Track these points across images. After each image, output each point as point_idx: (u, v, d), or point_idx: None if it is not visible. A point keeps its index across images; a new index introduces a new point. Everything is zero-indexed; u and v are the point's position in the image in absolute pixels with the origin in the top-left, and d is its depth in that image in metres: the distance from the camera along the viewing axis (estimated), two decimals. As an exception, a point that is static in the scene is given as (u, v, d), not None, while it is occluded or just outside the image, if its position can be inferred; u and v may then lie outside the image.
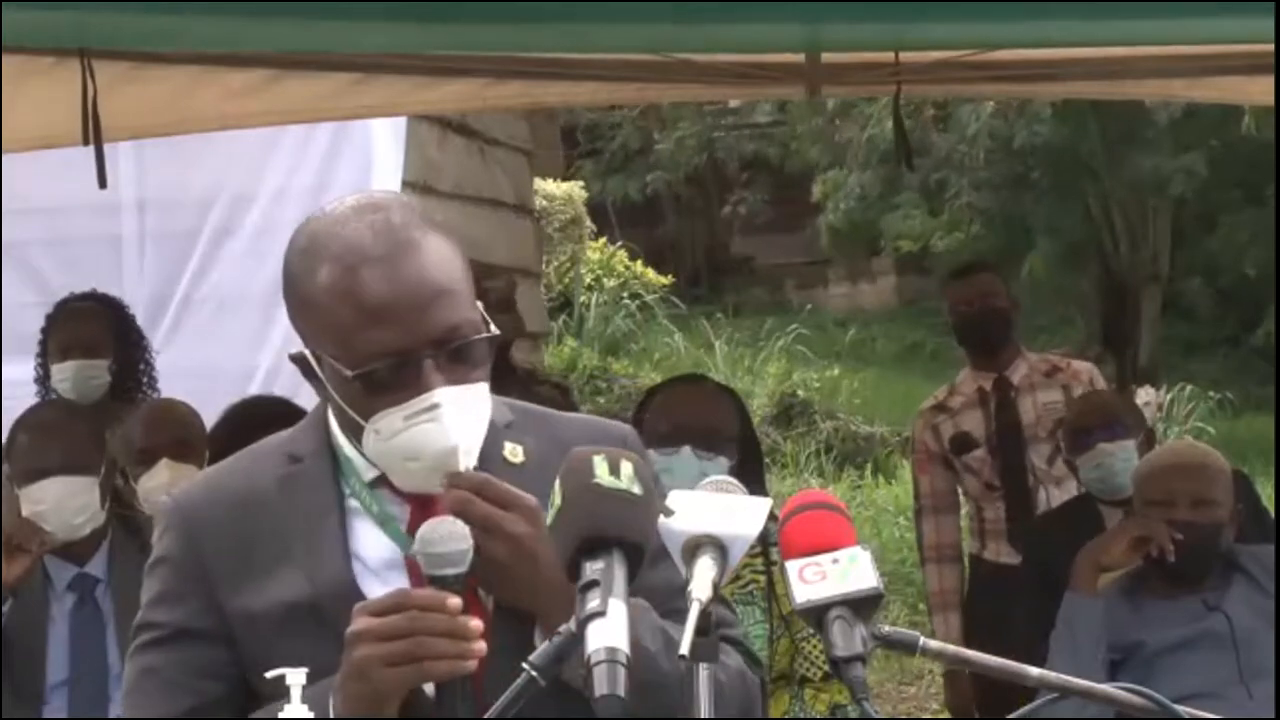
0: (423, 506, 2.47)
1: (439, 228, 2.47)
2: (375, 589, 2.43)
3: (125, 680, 2.55)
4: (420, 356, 2.39)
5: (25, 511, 4.75)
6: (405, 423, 2.40)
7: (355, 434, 2.46)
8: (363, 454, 2.48)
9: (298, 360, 2.50)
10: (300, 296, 2.46)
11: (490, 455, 2.49)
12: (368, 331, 2.38)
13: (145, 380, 6.16)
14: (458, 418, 2.41)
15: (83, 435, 4.89)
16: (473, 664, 2.30)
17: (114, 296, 6.24)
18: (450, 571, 2.34)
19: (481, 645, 2.30)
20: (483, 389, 2.46)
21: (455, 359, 2.41)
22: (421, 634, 2.30)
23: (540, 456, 2.49)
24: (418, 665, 2.30)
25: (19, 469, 4.81)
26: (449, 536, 2.35)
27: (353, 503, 2.50)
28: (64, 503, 4.76)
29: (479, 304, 2.47)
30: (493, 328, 2.46)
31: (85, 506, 4.79)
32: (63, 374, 5.95)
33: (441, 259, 2.42)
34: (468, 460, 2.43)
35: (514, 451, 2.52)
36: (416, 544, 2.37)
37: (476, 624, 2.31)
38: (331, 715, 2.33)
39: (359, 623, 2.32)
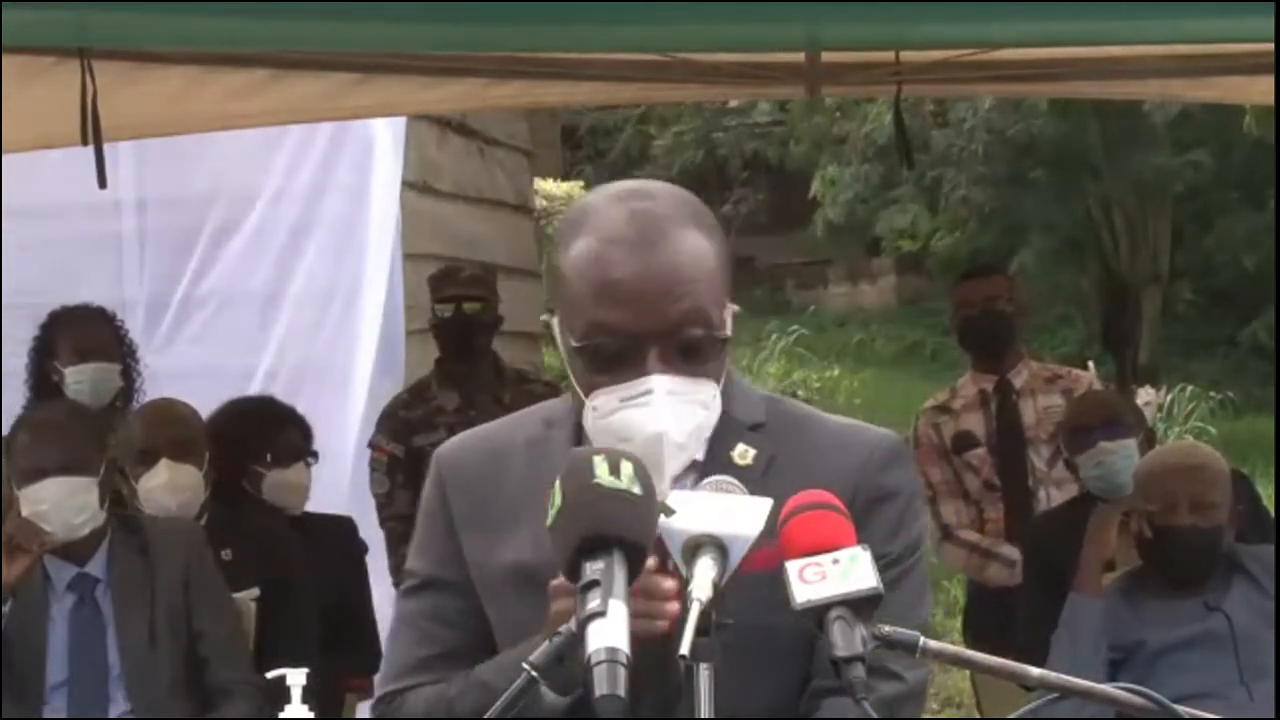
0: None
1: (707, 225, 2.52)
2: None
3: (391, 625, 2.66)
4: (646, 343, 2.43)
5: (25, 511, 4.74)
6: (620, 404, 2.44)
7: (581, 407, 2.51)
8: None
9: (548, 325, 2.56)
10: (555, 264, 2.52)
11: (718, 455, 2.51)
12: (600, 308, 2.44)
13: (138, 387, 6.18)
14: (671, 407, 2.43)
15: (83, 435, 4.88)
16: (664, 624, 2.28)
17: (104, 307, 6.23)
18: None
19: (675, 606, 2.28)
20: (708, 386, 2.48)
21: (683, 352, 2.45)
22: None
23: (776, 459, 2.51)
24: None
25: (19, 469, 4.80)
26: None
27: None
28: (63, 502, 4.75)
29: (726, 305, 2.51)
30: (729, 330, 2.50)
31: (85, 506, 4.78)
32: (80, 376, 5.95)
33: (694, 254, 2.46)
34: (679, 454, 2.45)
35: (743, 454, 2.53)
36: None
37: (670, 584, 2.31)
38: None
39: (561, 580, 2.34)
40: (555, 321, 2.53)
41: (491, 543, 2.53)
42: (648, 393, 2.43)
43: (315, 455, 5.98)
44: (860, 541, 2.23)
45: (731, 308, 2.53)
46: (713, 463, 2.50)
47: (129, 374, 6.13)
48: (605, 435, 2.45)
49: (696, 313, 2.45)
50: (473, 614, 2.54)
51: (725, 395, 2.54)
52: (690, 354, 2.45)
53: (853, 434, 2.60)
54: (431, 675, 2.54)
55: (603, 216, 2.48)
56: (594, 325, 2.44)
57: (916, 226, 19.33)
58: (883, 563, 2.23)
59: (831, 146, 19.60)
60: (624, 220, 2.46)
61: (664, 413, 2.43)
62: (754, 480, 2.42)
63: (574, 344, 2.46)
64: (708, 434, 2.50)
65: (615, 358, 2.44)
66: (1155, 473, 5.06)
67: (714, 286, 2.48)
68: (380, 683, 2.62)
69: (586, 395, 2.47)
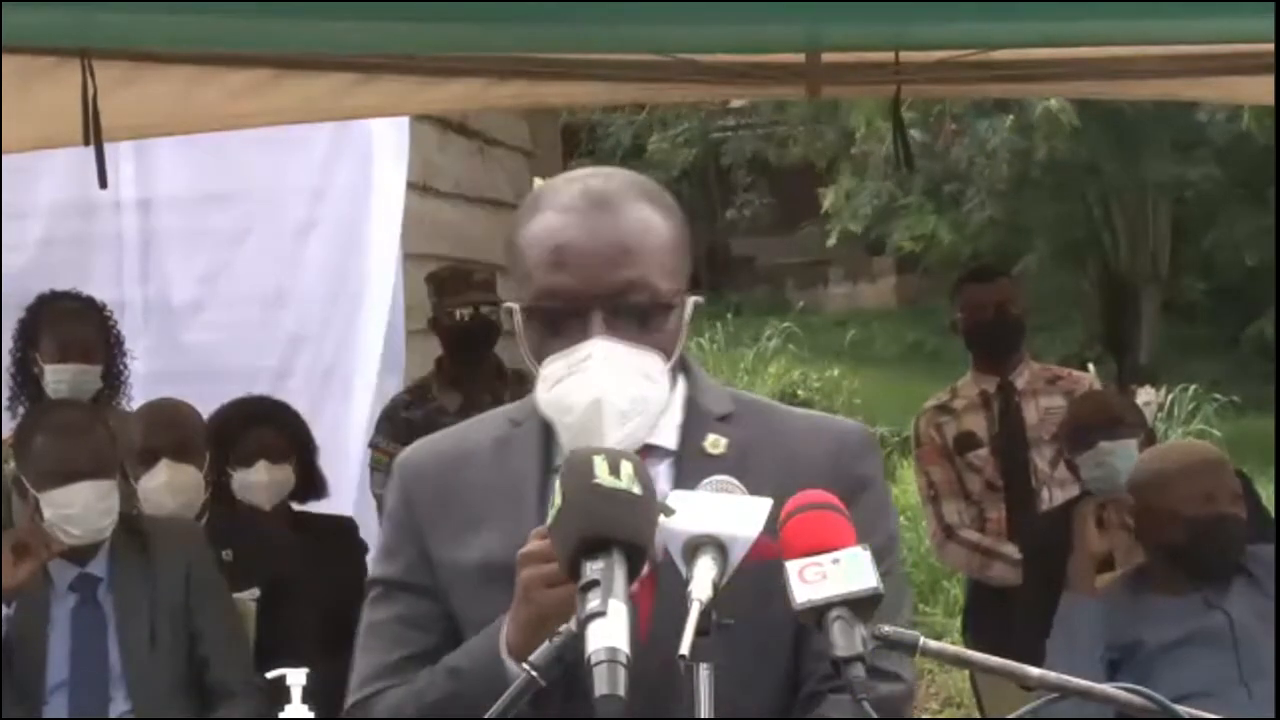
0: None
1: (662, 204, 2.54)
2: None
3: (360, 636, 2.68)
4: (591, 307, 2.45)
5: (49, 515, 4.70)
6: (567, 371, 2.46)
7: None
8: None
9: (510, 313, 2.57)
10: (511, 242, 2.55)
11: (690, 444, 2.54)
12: (549, 273, 2.47)
13: (125, 380, 6.15)
14: (610, 372, 2.45)
15: (104, 437, 4.86)
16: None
17: (93, 297, 6.20)
18: None
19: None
20: (653, 357, 2.48)
21: (627, 318, 2.46)
22: None
23: (746, 448, 2.53)
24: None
25: (43, 471, 4.73)
26: None
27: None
28: (93, 506, 4.72)
29: (680, 282, 2.51)
30: (687, 310, 2.52)
31: (110, 509, 4.77)
32: (59, 375, 5.91)
33: (643, 224, 2.50)
34: (621, 422, 2.45)
35: (715, 443, 2.54)
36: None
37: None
38: (502, 642, 2.39)
39: (528, 546, 2.37)
40: (516, 308, 2.54)
41: (463, 543, 2.54)
42: (587, 358, 2.45)
43: (308, 453, 5.91)
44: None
45: (693, 298, 2.55)
46: (685, 452, 2.52)
47: (113, 370, 6.09)
48: (553, 409, 2.49)
49: (641, 279, 2.47)
50: (442, 618, 2.55)
51: (692, 386, 2.58)
52: (634, 320, 2.47)
53: (823, 423, 2.65)
54: (403, 678, 2.56)
55: (558, 193, 2.53)
56: (543, 290, 2.48)
57: (936, 236, 19.35)
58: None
59: (850, 160, 19.58)
60: (577, 194, 2.51)
61: (600, 378, 2.44)
62: (726, 468, 2.43)
63: (524, 308, 2.49)
64: (657, 410, 2.51)
65: (562, 322, 2.47)
66: (1192, 468, 5.01)
67: (663, 258, 2.50)
68: (352, 690, 2.61)
69: (539, 365, 2.49)
